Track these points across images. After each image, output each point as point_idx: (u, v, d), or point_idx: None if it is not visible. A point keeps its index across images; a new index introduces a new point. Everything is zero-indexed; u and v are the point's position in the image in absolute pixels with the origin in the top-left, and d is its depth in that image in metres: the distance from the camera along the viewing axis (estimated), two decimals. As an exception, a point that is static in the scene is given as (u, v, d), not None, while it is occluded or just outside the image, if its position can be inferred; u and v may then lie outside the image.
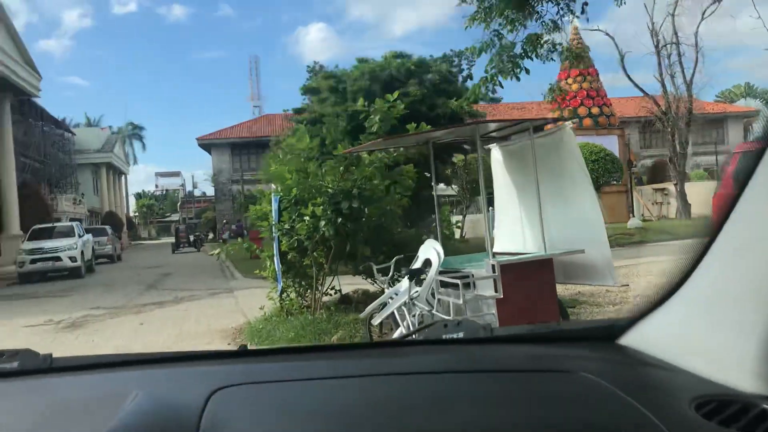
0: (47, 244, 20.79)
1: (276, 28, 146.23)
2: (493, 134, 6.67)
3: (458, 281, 5.42)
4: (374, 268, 7.13)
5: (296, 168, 8.28)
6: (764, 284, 1.02)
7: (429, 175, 7.64)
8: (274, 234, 8.57)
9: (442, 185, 18.90)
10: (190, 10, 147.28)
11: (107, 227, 31.56)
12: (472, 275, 5.74)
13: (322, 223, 7.73)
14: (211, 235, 53.53)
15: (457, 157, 19.76)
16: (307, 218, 7.88)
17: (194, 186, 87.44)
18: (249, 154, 54.09)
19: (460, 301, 5.40)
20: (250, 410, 1.15)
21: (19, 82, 25.99)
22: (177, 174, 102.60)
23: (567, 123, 6.16)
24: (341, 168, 8.10)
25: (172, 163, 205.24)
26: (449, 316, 5.60)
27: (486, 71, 7.64)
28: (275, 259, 8.75)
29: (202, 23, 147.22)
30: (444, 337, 1.58)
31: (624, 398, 1.11)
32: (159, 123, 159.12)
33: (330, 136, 8.47)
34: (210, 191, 71.89)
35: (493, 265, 5.55)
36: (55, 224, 24.07)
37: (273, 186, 8.66)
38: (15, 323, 11.03)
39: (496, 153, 6.90)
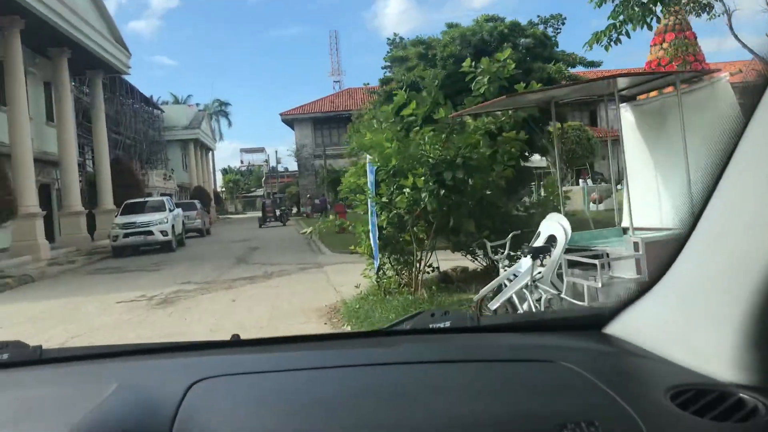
0: (139, 218, 21.12)
1: (355, 2, 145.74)
2: (625, 92, 5.79)
3: (594, 261, 4.66)
4: (488, 245, 6.42)
5: (394, 137, 7.63)
6: (741, 275, 1.01)
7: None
8: (370, 208, 7.99)
9: (536, 156, 17.86)
10: None
11: (196, 202, 32.10)
12: (606, 254, 4.96)
13: (424, 195, 7.07)
14: (294, 210, 54.11)
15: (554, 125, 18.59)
16: (407, 190, 7.24)
17: (278, 161, 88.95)
18: (330, 128, 54.08)
19: (597, 284, 4.64)
20: (229, 402, 1.16)
21: (110, 60, 26.47)
22: (261, 150, 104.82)
23: (723, 74, 5.21)
24: (443, 135, 7.39)
25: (255, 139, 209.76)
26: (582, 300, 4.84)
27: (612, 17, 6.70)
28: (371, 234, 8.18)
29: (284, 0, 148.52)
30: (431, 326, 1.57)
31: (601, 388, 1.11)
32: (243, 100, 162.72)
33: (428, 100, 7.70)
34: (293, 166, 73.05)
35: (635, 243, 4.74)
36: (147, 199, 24.48)
37: (368, 157, 8.04)
38: (109, 299, 10.99)
39: (627, 113, 6.01)
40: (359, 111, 47.03)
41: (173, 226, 21.81)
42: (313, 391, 1.20)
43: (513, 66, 7.47)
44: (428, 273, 8.56)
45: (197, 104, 67.00)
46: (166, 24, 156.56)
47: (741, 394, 1.03)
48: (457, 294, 7.94)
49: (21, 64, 19.39)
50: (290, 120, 53.98)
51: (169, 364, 1.44)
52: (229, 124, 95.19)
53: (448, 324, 1.57)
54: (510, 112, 7.75)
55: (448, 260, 9.36)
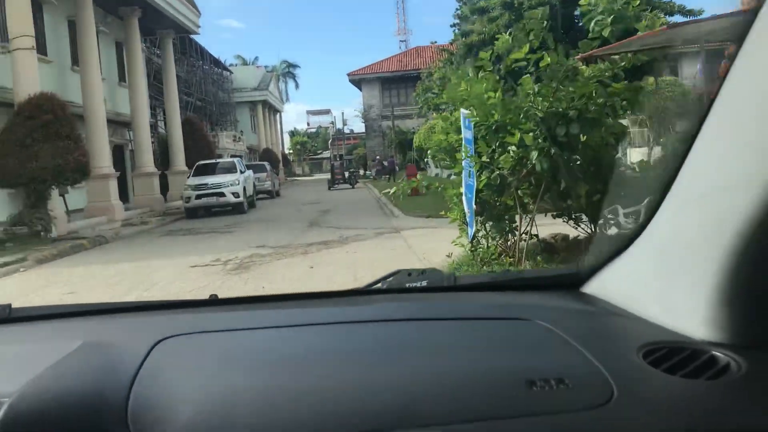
0: (211, 179, 20.87)
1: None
2: None
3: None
4: (620, 211, 5.49)
5: (495, 86, 6.71)
6: (717, 233, 1.00)
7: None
8: (465, 168, 7.14)
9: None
10: None
11: (266, 163, 31.88)
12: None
13: (533, 153, 6.16)
14: (362, 172, 53.67)
15: (647, 80, 17.14)
16: (512, 148, 6.34)
17: (344, 123, 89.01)
18: (398, 88, 53.01)
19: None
20: (193, 360, 1.15)
21: (180, 19, 26.15)
22: (327, 112, 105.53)
23: None
24: (553, 85, 6.42)
25: (321, 101, 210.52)
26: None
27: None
28: (465, 198, 7.35)
29: None
30: (407, 285, 1.58)
31: (573, 346, 1.12)
32: (309, 62, 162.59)
33: (536, 44, 6.71)
34: (359, 128, 72.81)
35: None
36: (218, 160, 24.23)
37: (463, 111, 7.15)
38: (183, 263, 10.59)
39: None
40: (428, 69, 45.89)
41: (245, 188, 21.50)
42: (283, 349, 1.20)
43: (638, 2, 6.38)
44: (526, 241, 7.69)
45: (265, 66, 66.83)
46: None
47: (713, 352, 1.04)
48: (563, 265, 7.05)
49: (93, 24, 19.18)
50: (357, 80, 53.17)
51: (138, 323, 1.43)
52: (297, 86, 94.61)
53: (425, 283, 1.56)
54: (629, 55, 6.68)
55: (543, 226, 8.47)
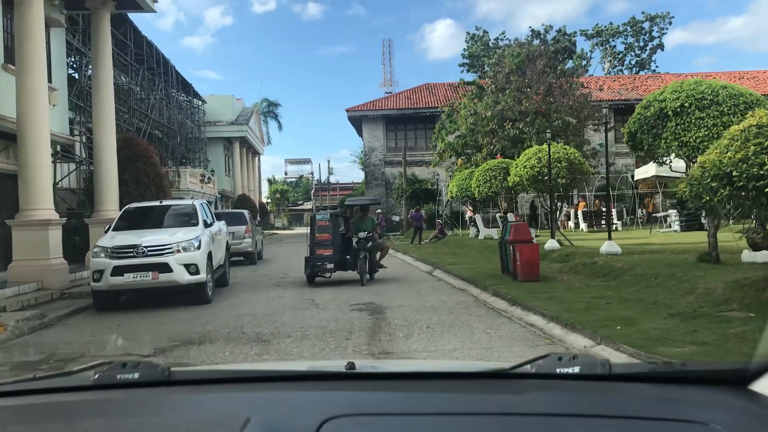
0: (148, 237, 10.99)
1: (403, 25, 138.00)
2: None
3: None
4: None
5: None
6: None
7: None
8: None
9: None
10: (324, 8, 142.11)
11: (245, 212, 21.80)
12: None
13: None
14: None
15: None
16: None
17: (330, 172, 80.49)
18: (407, 129, 43.92)
19: None
20: None
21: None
22: (307, 161, 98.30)
23: None
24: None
25: (300, 153, 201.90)
26: None
27: None
28: None
29: (334, 20, 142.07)
30: (558, 371, 1.47)
31: None
32: (288, 114, 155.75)
33: None
34: (344, 178, 63.80)
35: None
36: (167, 202, 13.81)
37: None
38: None
39: None
40: (450, 105, 36.91)
41: (210, 255, 11.60)
42: None
43: None
44: None
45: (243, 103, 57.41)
46: (219, 41, 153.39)
47: None
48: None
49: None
50: (358, 118, 43.93)
51: (299, 398, 1.43)
52: (280, 126, 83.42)
53: (577, 370, 1.45)
54: None
55: None
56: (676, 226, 22.29)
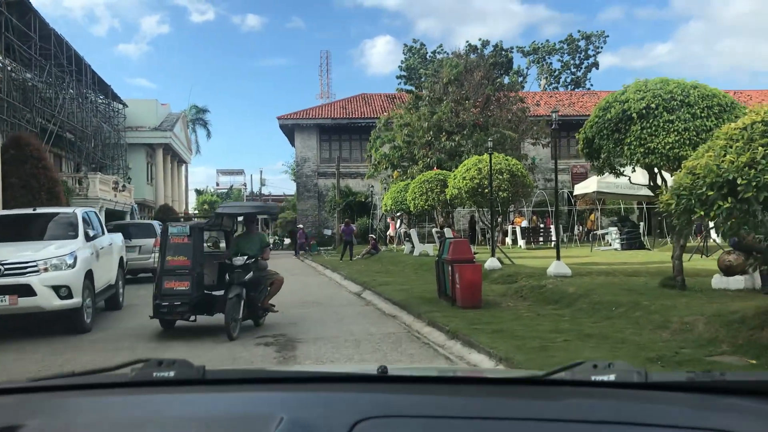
0: (6, 253, 8.91)
1: (343, 40, 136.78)
2: None
3: None
4: None
5: None
6: None
7: None
8: None
9: None
10: (264, 20, 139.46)
11: (154, 223, 19.70)
12: None
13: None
14: (287, 241, 41.96)
15: None
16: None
17: (262, 183, 78.14)
18: (342, 140, 42.28)
19: None
20: None
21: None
22: (240, 172, 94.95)
23: None
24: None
25: (235, 164, 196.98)
26: None
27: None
28: None
29: (274, 33, 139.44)
30: (593, 378, 1.43)
31: None
32: (220, 124, 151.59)
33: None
34: (276, 190, 61.54)
35: None
36: (41, 210, 11.51)
37: None
38: None
39: None
40: (387, 116, 35.48)
41: (91, 275, 9.60)
42: None
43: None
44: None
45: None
46: (155, 49, 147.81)
47: None
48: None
49: None
50: (290, 126, 42.00)
51: (331, 398, 1.41)
52: (209, 134, 79.75)
53: (612, 378, 1.41)
54: None
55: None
56: (616, 245, 21.38)
